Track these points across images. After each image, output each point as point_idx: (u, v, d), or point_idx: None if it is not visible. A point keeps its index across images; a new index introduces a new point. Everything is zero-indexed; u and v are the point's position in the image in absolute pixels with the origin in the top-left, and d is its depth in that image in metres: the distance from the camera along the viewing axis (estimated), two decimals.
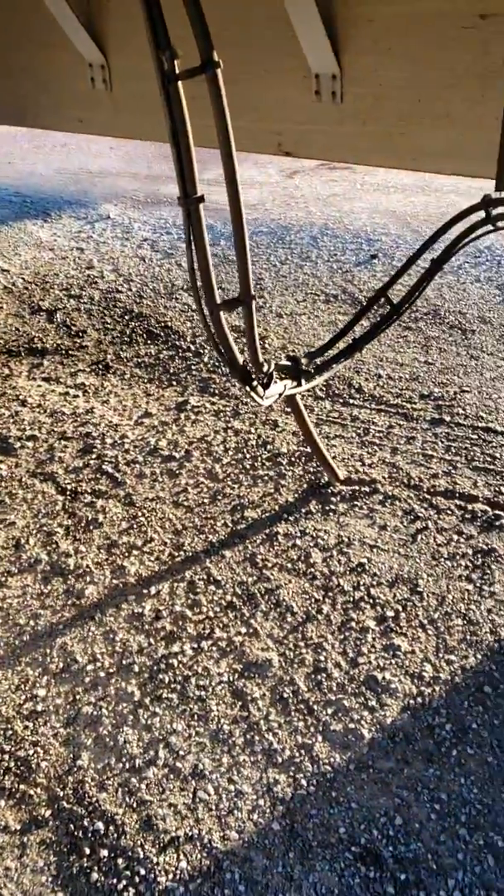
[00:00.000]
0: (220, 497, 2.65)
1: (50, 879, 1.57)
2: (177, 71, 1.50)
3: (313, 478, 2.70)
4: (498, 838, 1.58)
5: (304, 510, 2.56)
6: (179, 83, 1.51)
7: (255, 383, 2.08)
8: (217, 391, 3.29)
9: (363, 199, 5.58)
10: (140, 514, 2.60)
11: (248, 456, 2.85)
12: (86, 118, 4.06)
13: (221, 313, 1.86)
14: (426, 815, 1.63)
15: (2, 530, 2.56)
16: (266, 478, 2.72)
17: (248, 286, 1.84)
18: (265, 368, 2.09)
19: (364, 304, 2.55)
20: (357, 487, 2.63)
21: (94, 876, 1.57)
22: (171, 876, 1.56)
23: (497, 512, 2.44)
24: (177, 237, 5.15)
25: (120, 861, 1.59)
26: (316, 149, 3.30)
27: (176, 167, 1.62)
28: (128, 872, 1.57)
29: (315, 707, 1.88)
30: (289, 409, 2.83)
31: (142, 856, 1.60)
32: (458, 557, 2.30)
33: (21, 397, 3.36)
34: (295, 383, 2.30)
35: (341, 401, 3.14)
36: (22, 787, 1.76)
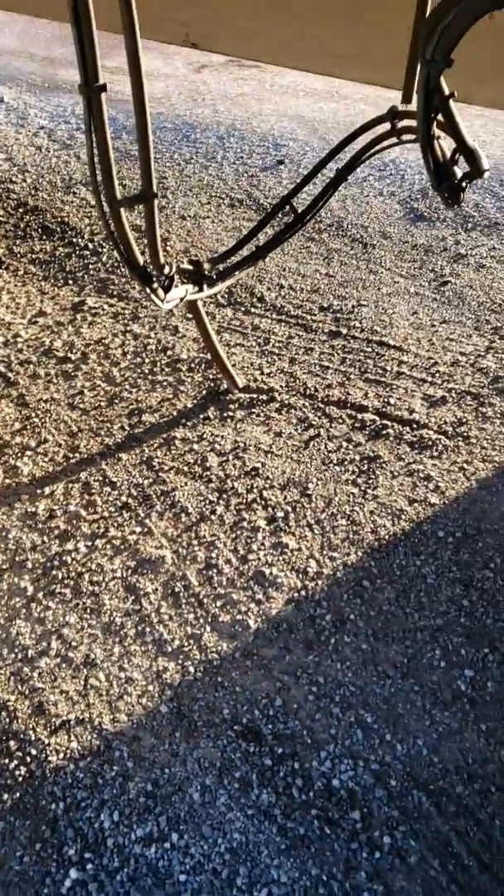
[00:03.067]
0: (117, 401, 2.64)
1: None
2: None
3: (212, 385, 2.73)
4: (367, 715, 1.74)
5: (202, 416, 2.59)
6: None
7: (155, 285, 2.05)
8: (116, 293, 3.22)
9: (272, 101, 5.42)
10: (34, 415, 2.56)
11: (146, 361, 2.83)
12: None
13: (122, 210, 1.81)
14: (304, 696, 1.77)
15: None
16: (165, 383, 2.73)
17: (150, 182, 1.80)
18: (166, 271, 2.07)
19: (269, 210, 2.53)
20: (255, 395, 2.68)
21: None
22: (61, 755, 1.64)
23: (385, 422, 2.56)
24: (76, 127, 4.87)
25: (12, 743, 1.65)
26: (224, 43, 3.17)
27: (77, 52, 1.53)
28: (19, 753, 1.64)
29: (205, 600, 1.97)
30: (190, 315, 2.81)
31: (33, 738, 1.67)
32: (346, 463, 2.41)
33: None
34: (196, 288, 2.29)
35: (243, 309, 3.15)
36: None
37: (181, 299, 2.23)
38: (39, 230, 3.68)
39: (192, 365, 2.82)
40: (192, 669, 1.81)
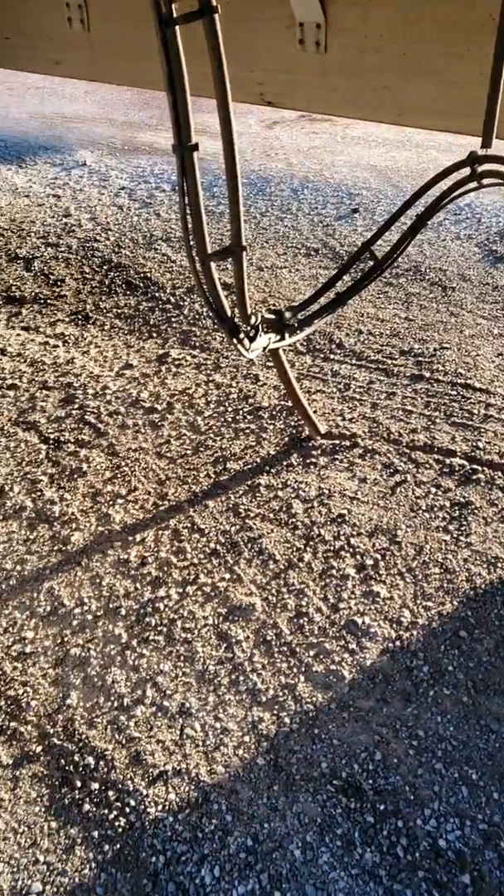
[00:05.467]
0: (202, 449, 2.68)
1: (43, 810, 1.63)
2: (174, 14, 1.48)
3: (294, 431, 2.74)
4: (472, 771, 1.67)
5: (285, 463, 2.60)
6: (177, 27, 1.49)
7: (242, 336, 2.09)
8: (198, 344, 3.30)
9: (344, 153, 5.53)
10: (124, 463, 2.62)
11: (229, 409, 2.87)
12: (62, 60, 3.95)
13: (212, 264, 1.86)
14: (404, 750, 1.72)
15: None
16: (248, 431, 2.76)
17: (239, 235, 1.85)
18: (252, 321, 2.11)
19: (346, 258, 2.56)
20: (338, 441, 2.68)
21: (87, 807, 1.63)
22: (160, 807, 1.63)
23: (474, 466, 2.51)
24: (154, 186, 5.07)
25: (111, 793, 1.65)
26: (298, 100, 3.26)
27: (171, 114, 1.60)
28: (118, 804, 1.63)
29: (298, 649, 1.95)
30: (271, 363, 2.85)
31: (132, 788, 1.66)
32: (435, 509, 2.36)
33: (0, 346, 3.34)
34: (278, 337, 2.32)
35: (322, 356, 3.17)
36: (13, 724, 1.81)
37: (264, 348, 2.27)
38: (123, 286, 3.82)
39: (274, 412, 2.84)
40: (287, 720, 1.79)
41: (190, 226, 1.77)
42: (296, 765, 1.70)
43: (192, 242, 1.79)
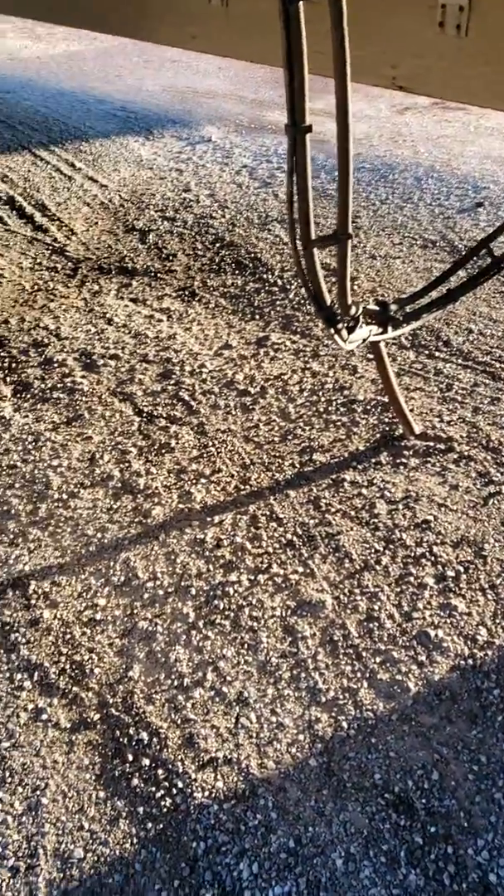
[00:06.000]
0: (290, 437, 2.64)
1: (93, 778, 1.65)
2: None
3: (387, 429, 2.66)
4: None
5: (373, 460, 2.53)
6: (301, 4, 1.44)
7: (339, 326, 2.03)
8: (299, 329, 3.25)
9: (475, 143, 5.30)
10: (211, 444, 2.62)
11: (322, 399, 2.82)
12: (199, 34, 3.96)
13: (315, 249, 1.81)
14: (463, 774, 1.64)
15: (79, 443, 2.62)
16: (339, 423, 2.70)
17: (346, 223, 1.78)
18: (352, 311, 2.04)
19: (464, 253, 2.45)
20: (432, 444, 2.58)
21: (135, 781, 1.64)
22: (207, 793, 1.62)
23: None
24: (276, 166, 5.02)
25: (160, 772, 1.66)
26: (432, 85, 3.12)
27: (287, 93, 1.55)
28: (166, 783, 1.64)
29: (364, 654, 1.89)
30: (371, 356, 2.77)
31: (181, 770, 1.66)
32: None
33: (108, 315, 3.40)
34: (381, 329, 2.25)
35: (427, 352, 3.06)
36: (75, 688, 1.84)
37: (364, 340, 2.20)
38: (233, 265, 3.81)
39: (368, 407, 2.76)
40: (345, 725, 1.74)
41: (296, 208, 1.73)
42: (348, 771, 1.65)
43: (296, 226, 1.75)
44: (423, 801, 1.60)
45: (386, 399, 2.72)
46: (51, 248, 4.03)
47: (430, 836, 1.54)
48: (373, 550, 2.19)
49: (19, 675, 1.87)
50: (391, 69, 3.17)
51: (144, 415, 2.76)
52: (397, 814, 1.58)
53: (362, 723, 1.74)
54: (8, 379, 2.98)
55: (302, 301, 3.44)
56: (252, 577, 2.12)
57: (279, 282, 3.63)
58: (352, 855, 1.51)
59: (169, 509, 2.35)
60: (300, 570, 2.14)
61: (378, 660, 1.88)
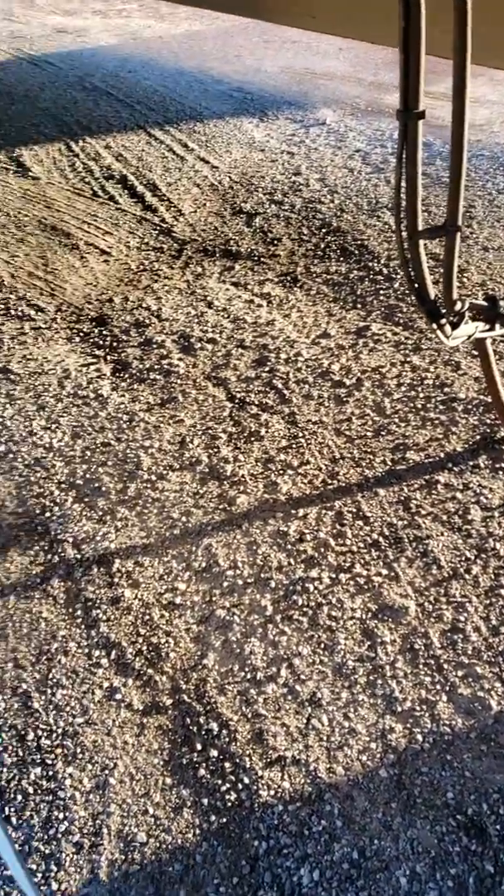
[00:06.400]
0: (383, 433, 2.56)
1: (161, 763, 1.66)
2: None
3: (488, 430, 2.53)
4: None
5: (471, 463, 2.42)
6: None
7: (443, 321, 1.94)
8: (402, 321, 3.14)
9: None
10: (301, 435, 2.57)
11: (421, 395, 2.72)
12: (319, 15, 3.87)
13: (421, 240, 1.73)
14: None
15: (171, 426, 2.64)
16: (436, 421, 2.59)
17: (456, 213, 1.69)
18: (458, 307, 1.95)
19: None
20: None
21: (202, 772, 1.64)
22: (272, 792, 1.60)
23: None
24: (391, 151, 4.88)
25: (227, 765, 1.65)
26: None
27: (401, 76, 1.48)
28: (232, 777, 1.63)
29: (445, 666, 1.82)
30: (476, 353, 2.65)
31: (248, 766, 1.65)
32: None
33: (209, 299, 3.40)
34: (488, 326, 2.13)
35: None
36: (150, 671, 1.85)
37: (469, 336, 2.09)
38: (338, 251, 3.73)
39: (469, 406, 2.65)
40: (419, 738, 1.67)
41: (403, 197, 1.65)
42: (420, 787, 1.59)
43: (402, 215, 1.67)
44: (498, 827, 1.52)
45: (489, 399, 2.60)
46: (158, 228, 4.07)
47: (502, 866, 1.46)
48: (463, 558, 2.09)
49: (97, 653, 1.90)
50: None
51: (237, 401, 2.74)
52: (468, 837, 1.50)
53: (438, 738, 1.67)
54: (108, 357, 3.03)
55: (407, 291, 3.33)
56: (333, 576, 2.07)
57: (385, 270, 3.52)
58: (417, 875, 1.46)
59: (254, 498, 2.33)
60: (384, 572, 2.07)
61: (460, 673, 1.80)
